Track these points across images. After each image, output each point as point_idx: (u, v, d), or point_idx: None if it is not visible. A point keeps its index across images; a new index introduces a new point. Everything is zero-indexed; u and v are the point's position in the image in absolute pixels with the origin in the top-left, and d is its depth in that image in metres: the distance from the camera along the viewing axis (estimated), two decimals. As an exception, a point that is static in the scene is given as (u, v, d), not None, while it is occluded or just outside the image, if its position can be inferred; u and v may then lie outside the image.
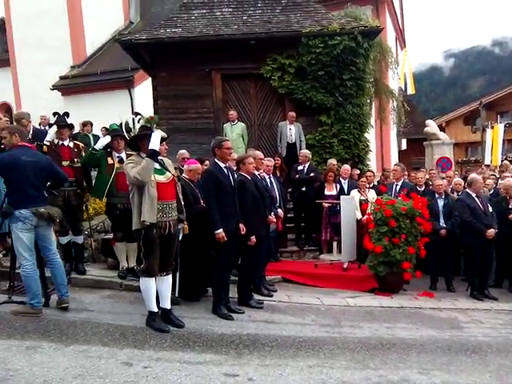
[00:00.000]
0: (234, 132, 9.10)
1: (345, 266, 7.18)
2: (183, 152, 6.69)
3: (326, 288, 6.66)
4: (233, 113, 9.38)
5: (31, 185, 4.40)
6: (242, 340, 4.34)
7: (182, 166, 5.92)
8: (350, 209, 7.32)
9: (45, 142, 5.57)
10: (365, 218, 7.18)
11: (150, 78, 11.41)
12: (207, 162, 6.37)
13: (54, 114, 5.88)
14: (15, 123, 5.89)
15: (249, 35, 9.55)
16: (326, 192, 7.95)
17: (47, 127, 7.35)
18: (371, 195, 7.64)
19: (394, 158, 19.52)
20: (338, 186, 8.00)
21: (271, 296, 5.91)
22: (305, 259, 8.10)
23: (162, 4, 20.00)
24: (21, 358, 3.60)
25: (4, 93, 19.11)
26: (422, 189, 7.78)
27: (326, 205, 7.78)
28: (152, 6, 20.73)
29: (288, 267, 7.32)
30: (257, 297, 5.65)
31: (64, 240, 5.78)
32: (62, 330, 4.24)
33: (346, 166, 8.35)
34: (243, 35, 9.55)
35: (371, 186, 8.26)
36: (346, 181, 8.11)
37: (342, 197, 7.44)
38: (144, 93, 15.07)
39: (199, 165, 5.75)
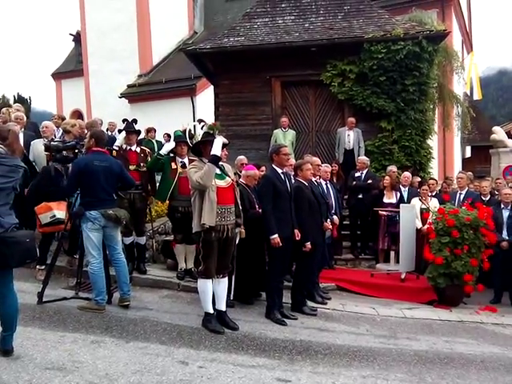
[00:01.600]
0: (287, 138, 9.19)
1: (402, 276, 6.98)
2: (242, 158, 6.81)
3: (382, 298, 6.51)
4: (285, 119, 9.48)
5: (102, 188, 4.69)
6: (295, 346, 4.35)
7: (241, 172, 6.04)
8: (409, 218, 7.12)
9: (114, 147, 5.88)
10: (425, 227, 6.95)
11: (212, 86, 11.73)
12: (263, 168, 6.46)
13: (124, 120, 6.20)
14: (87, 130, 6.25)
15: (309, 42, 9.59)
16: (385, 200, 7.79)
17: (115, 133, 7.76)
18: (433, 204, 7.38)
19: (457, 165, 18.69)
20: (398, 194, 7.81)
21: (325, 304, 5.87)
22: (360, 268, 7.97)
23: (225, 14, 20.52)
24: (85, 351, 3.82)
25: (77, 101, 20.40)
26: (487, 198, 7.42)
27: (385, 213, 7.62)
28: (215, 16, 21.32)
29: (343, 275, 7.23)
30: (310, 304, 5.64)
31: (127, 240, 6.05)
32: (123, 327, 4.45)
33: (407, 174, 8.14)
34: (304, 42, 9.61)
35: (433, 194, 7.98)
36: (407, 188, 7.92)
37: (401, 205, 7.25)
38: (205, 100, 15.54)
39: (257, 171, 5.85)
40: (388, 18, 10.13)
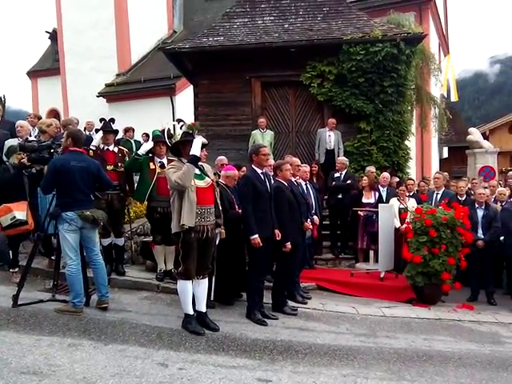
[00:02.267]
0: (265, 139, 9.18)
1: (381, 275, 7.06)
2: (222, 158, 6.79)
3: (362, 297, 6.56)
4: (263, 120, 9.50)
5: (78, 189, 4.61)
6: (276, 346, 4.35)
7: (220, 172, 6.02)
8: (388, 217, 7.20)
9: (91, 147, 5.78)
10: (404, 226, 7.04)
11: (191, 86, 11.65)
12: (244, 168, 6.45)
13: (101, 119, 6.10)
14: (62, 129, 6.13)
15: (289, 43, 9.62)
16: (364, 200, 7.88)
17: (93, 132, 7.64)
18: (411, 204, 7.49)
19: (434, 166, 19.06)
20: (377, 194, 7.90)
21: (305, 303, 5.89)
22: (340, 267, 8.02)
23: (205, 13, 20.45)
24: (62, 354, 3.75)
25: (53, 100, 20.03)
26: (463, 198, 7.56)
27: (363, 213, 7.70)
28: (195, 16, 21.23)
29: (323, 275, 7.26)
30: (291, 303, 5.64)
31: (105, 242, 5.97)
32: (102, 329, 4.38)
33: (385, 174, 8.24)
34: (283, 43, 9.63)
35: (411, 194, 8.10)
36: (385, 189, 8.01)
37: (380, 205, 7.33)
38: (185, 100, 15.45)
39: (236, 171, 5.84)
40: (366, 19, 10.23)
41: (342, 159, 8.55)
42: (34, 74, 22.89)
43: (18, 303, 4.70)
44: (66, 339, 4.07)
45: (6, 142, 6.09)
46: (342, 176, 8.27)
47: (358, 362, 4.14)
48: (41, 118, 7.38)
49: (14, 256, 5.49)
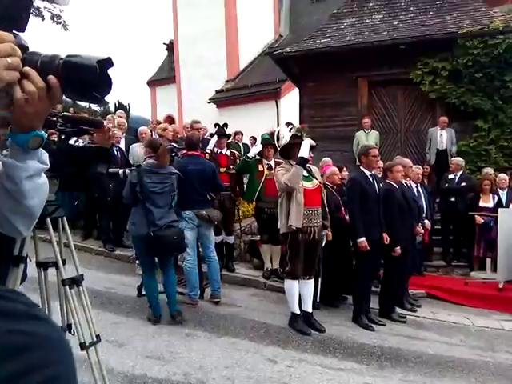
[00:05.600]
0: (370, 140, 8.94)
1: (500, 285, 6.50)
2: (327, 160, 6.81)
3: (477, 308, 6.12)
4: (367, 120, 9.27)
5: (195, 190, 4.97)
6: (384, 352, 4.27)
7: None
8: (509, 223, 6.61)
9: (206, 151, 6.18)
10: (528, 234, 6.42)
11: (295, 89, 11.79)
12: (345, 169, 6.42)
13: (215, 125, 6.49)
14: (186, 131, 6.53)
15: (399, 40, 9.30)
16: (481, 203, 7.32)
17: (207, 136, 8.10)
18: (537, 209, 6.80)
19: None
20: (496, 198, 7.30)
21: (415, 311, 5.68)
22: (453, 275, 7.54)
23: (311, 16, 20.48)
24: (181, 343, 4.08)
25: (170, 106, 21.55)
26: None
27: (481, 218, 7.17)
28: (301, 19, 21.38)
29: (434, 282, 6.90)
30: (399, 310, 5.48)
31: (217, 239, 6.30)
32: (214, 322, 4.68)
33: (504, 176, 7.57)
34: (393, 40, 9.33)
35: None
36: (505, 192, 7.37)
37: (500, 209, 6.76)
38: (289, 103, 15.64)
39: (335, 168, 5.84)
40: (485, 10, 9.50)
41: (457, 160, 8.04)
42: (153, 83, 24.82)
43: (142, 293, 5.18)
44: (184, 329, 4.41)
45: (130, 147, 6.75)
46: (457, 178, 7.78)
47: (473, 377, 3.90)
48: (160, 124, 8.02)
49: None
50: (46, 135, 1.08)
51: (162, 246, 4.24)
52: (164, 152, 4.41)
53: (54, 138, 2.31)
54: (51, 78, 0.91)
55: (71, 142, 1.95)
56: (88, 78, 0.89)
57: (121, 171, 4.37)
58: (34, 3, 12.95)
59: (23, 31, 0.95)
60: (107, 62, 0.91)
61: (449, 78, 9.15)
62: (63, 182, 1.98)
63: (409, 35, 9.33)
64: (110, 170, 5.76)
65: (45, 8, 13.96)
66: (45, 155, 1.10)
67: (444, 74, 9.16)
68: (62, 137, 1.92)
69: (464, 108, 9.02)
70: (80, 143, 2.31)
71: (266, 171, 6.08)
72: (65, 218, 2.11)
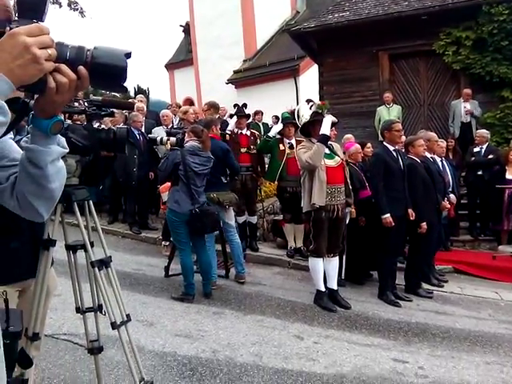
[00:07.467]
0: (392, 115, 8.79)
1: (530, 259, 6.39)
2: (349, 136, 6.70)
3: (506, 282, 6.03)
4: (388, 95, 9.12)
5: (207, 173, 4.92)
6: (411, 328, 4.26)
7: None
8: (539, 196, 6.45)
9: (227, 131, 6.16)
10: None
11: (314, 66, 11.61)
12: (369, 145, 6.32)
13: (235, 105, 6.44)
14: (208, 112, 6.46)
15: (420, 10, 9.00)
16: (508, 176, 7.14)
17: (227, 117, 8.07)
18: None
19: None
20: (524, 170, 7.10)
21: (442, 286, 5.63)
22: (480, 250, 7.43)
23: (328, -10, 19.99)
24: (208, 321, 4.15)
25: (188, 89, 21.53)
26: None
27: (508, 191, 6.99)
28: (318, -7, 20.89)
29: (460, 257, 6.82)
30: (426, 286, 5.44)
31: (240, 219, 6.34)
32: (241, 300, 4.74)
33: (531, 147, 7.35)
34: (414, 11, 9.05)
35: None
36: (534, 164, 7.15)
37: (528, 182, 6.59)
38: (308, 80, 15.42)
39: (358, 145, 5.75)
40: (511, -27, 9.09)
41: (482, 132, 7.82)
42: (171, 66, 24.78)
43: (169, 274, 5.28)
44: (211, 307, 4.48)
45: (152, 130, 6.79)
46: (483, 150, 7.59)
47: (503, 350, 3.86)
48: (181, 107, 8.03)
49: (165, 229, 6.07)
50: (63, 119, 1.11)
51: (205, 221, 4.46)
52: (207, 137, 4.64)
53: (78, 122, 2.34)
54: (81, 69, 0.94)
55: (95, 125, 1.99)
56: (116, 69, 0.95)
57: (158, 138, 4.38)
58: None
59: (43, 21, 0.97)
60: (129, 54, 0.97)
61: (473, 47, 8.86)
62: (99, 166, 2.02)
63: (430, 5, 9.04)
64: (150, 135, 5.86)
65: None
66: (62, 139, 1.12)
67: (468, 43, 8.87)
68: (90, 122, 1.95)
69: (489, 78, 8.74)
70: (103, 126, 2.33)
71: (287, 150, 6.04)
72: (91, 202, 2.14)
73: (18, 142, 1.20)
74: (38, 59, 0.86)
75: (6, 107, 0.87)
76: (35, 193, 1.10)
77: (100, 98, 1.97)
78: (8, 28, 0.92)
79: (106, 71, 0.96)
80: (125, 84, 0.98)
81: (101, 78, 0.97)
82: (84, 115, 1.96)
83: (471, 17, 8.71)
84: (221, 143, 5.28)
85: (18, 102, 1.03)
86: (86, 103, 1.93)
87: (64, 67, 0.93)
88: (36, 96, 1.00)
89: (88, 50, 0.95)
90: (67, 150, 1.14)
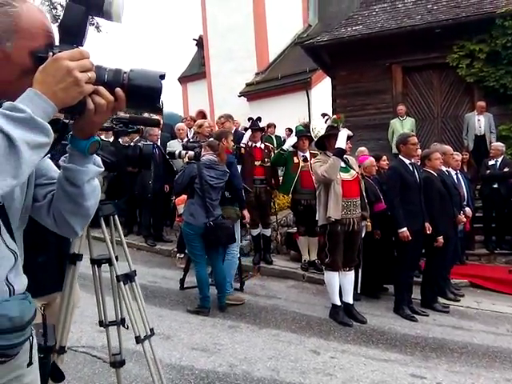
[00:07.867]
0: (405, 127, 8.79)
1: (548, 274, 6.30)
2: (363, 149, 6.71)
3: (524, 297, 5.95)
4: (402, 107, 9.11)
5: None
6: (428, 343, 4.22)
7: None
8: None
9: (241, 145, 6.21)
10: None
11: (326, 79, 11.66)
12: (384, 158, 6.32)
13: (249, 119, 6.50)
14: (226, 124, 6.51)
15: (434, 23, 9.04)
16: (525, 189, 7.08)
17: (240, 130, 8.12)
18: None
19: None
20: (541, 183, 7.04)
21: (458, 301, 5.57)
22: (496, 263, 7.34)
23: (340, 4, 20.15)
24: (224, 335, 4.16)
25: (201, 102, 21.70)
26: None
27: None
28: (329, 7, 21.05)
29: (476, 271, 6.74)
30: (442, 300, 5.39)
31: (254, 232, 6.37)
32: (256, 314, 4.74)
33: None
34: (427, 24, 9.08)
35: None
36: (551, 177, 7.09)
37: (545, 195, 6.53)
38: (320, 93, 15.49)
39: (372, 159, 5.75)
40: (525, -14, 9.09)
41: (497, 145, 7.79)
42: (184, 79, 25.02)
43: (184, 286, 5.30)
44: (226, 321, 4.49)
45: (168, 144, 6.86)
46: (498, 163, 7.54)
47: (523, 367, 3.81)
48: (195, 121, 8.11)
49: (180, 241, 6.10)
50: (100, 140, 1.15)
51: (220, 234, 4.50)
52: (223, 150, 4.72)
53: (104, 138, 2.39)
54: (118, 90, 0.99)
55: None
56: (152, 91, 0.99)
57: (177, 152, 4.43)
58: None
59: (82, 45, 1.02)
60: (164, 76, 1.01)
61: (487, 60, 8.85)
62: (124, 181, 2.06)
63: (444, 18, 9.08)
64: (168, 149, 5.91)
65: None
66: (97, 158, 1.16)
67: (482, 56, 8.87)
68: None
69: (503, 91, 8.72)
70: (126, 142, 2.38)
71: (301, 163, 6.07)
72: (116, 216, 2.18)
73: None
74: (79, 82, 0.91)
75: (51, 129, 0.91)
76: (72, 211, 1.13)
77: (127, 115, 2.02)
78: (51, 53, 0.97)
79: (142, 92, 1.00)
80: (159, 105, 1.01)
81: (137, 99, 1.01)
82: (111, 131, 2.01)
83: (485, 30, 8.72)
84: (227, 156, 5.29)
85: (59, 122, 1.07)
86: (113, 120, 1.98)
87: (102, 89, 0.97)
88: (75, 117, 1.05)
89: (125, 73, 0.99)
90: (103, 169, 1.18)
